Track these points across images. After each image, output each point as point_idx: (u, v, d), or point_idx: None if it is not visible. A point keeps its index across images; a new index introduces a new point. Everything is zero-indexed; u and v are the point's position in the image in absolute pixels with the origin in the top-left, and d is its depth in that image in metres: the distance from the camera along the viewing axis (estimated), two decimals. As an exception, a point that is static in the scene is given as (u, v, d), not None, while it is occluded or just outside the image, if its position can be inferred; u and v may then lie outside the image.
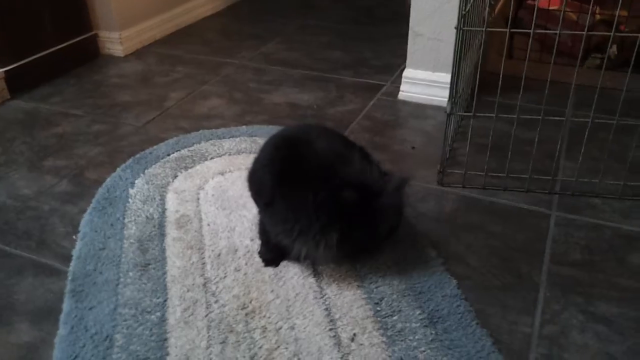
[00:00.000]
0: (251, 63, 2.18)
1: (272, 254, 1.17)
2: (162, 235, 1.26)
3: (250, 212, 1.31)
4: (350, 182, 1.02)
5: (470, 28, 1.33)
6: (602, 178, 1.37)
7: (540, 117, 1.29)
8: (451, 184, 1.40)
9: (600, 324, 1.02)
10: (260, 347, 0.98)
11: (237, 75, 2.07)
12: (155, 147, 1.60)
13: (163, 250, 1.21)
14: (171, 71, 2.12)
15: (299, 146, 1.11)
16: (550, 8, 2.24)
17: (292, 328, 1.02)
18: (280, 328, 1.02)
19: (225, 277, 1.14)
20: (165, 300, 1.08)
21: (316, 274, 1.14)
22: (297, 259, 1.15)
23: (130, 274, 1.15)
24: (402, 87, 1.84)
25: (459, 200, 1.36)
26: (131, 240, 1.24)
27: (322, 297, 1.09)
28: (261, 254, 1.19)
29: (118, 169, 1.50)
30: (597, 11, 2.04)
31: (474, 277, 1.13)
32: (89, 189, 1.43)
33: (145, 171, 1.48)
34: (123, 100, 1.90)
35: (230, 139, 1.63)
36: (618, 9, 1.22)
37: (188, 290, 1.11)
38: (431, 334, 1.00)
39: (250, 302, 1.08)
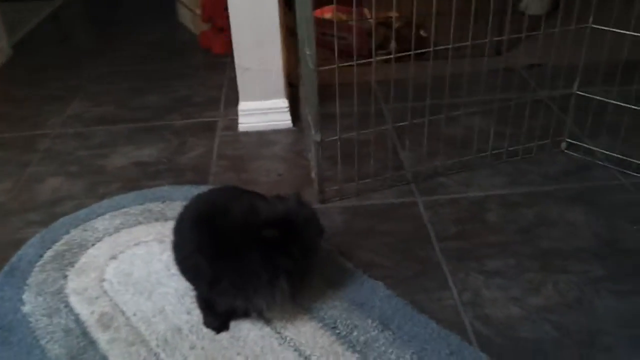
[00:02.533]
0: (66, 129, 2.06)
1: (221, 319, 1.21)
2: (93, 342, 1.20)
3: (168, 286, 1.32)
4: (267, 222, 1.11)
5: (324, 67, 1.45)
6: (433, 159, 1.66)
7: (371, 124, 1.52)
8: (330, 199, 1.57)
9: (496, 277, 1.30)
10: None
11: (59, 147, 1.95)
12: (19, 252, 1.47)
13: (104, 358, 1.17)
14: (-23, 162, 1.90)
15: (214, 217, 1.16)
16: (325, 17, 2.51)
17: (277, 379, 1.10)
18: (267, 383, 1.09)
19: (186, 359, 1.15)
20: (140, 405, 1.07)
21: (267, 321, 1.22)
22: (247, 315, 1.21)
23: (86, 393, 1.10)
24: (240, 120, 1.94)
25: (344, 212, 1.53)
26: (63, 360, 1.17)
27: (285, 341, 1.18)
28: (208, 323, 1.22)
29: (-8, 290, 1.36)
30: (371, 16, 2.36)
31: (391, 274, 1.32)
32: (-29, 323, 1.28)
33: (27, 282, 1.37)
34: (-60, 210, 1.67)
35: (99, 218, 1.57)
36: (394, 9, 1.49)
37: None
38: (390, 335, 1.17)
39: (226, 371, 1.12)
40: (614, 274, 1.29)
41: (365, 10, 2.50)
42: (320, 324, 1.21)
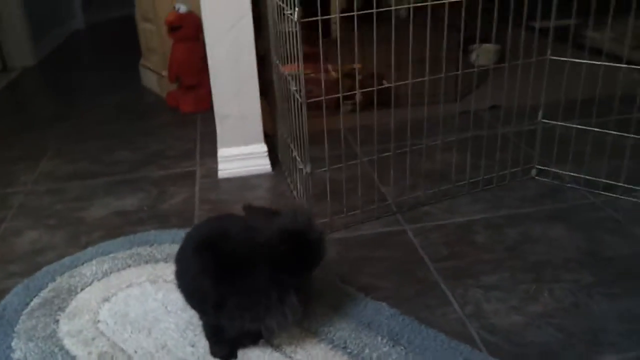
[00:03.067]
0: (39, 186, 2.02)
1: (229, 348, 1.19)
2: (94, 381, 1.15)
3: (167, 322, 1.29)
4: (274, 238, 1.12)
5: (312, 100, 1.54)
6: (415, 191, 1.73)
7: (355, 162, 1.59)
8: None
9: (494, 290, 1.34)
10: None
11: (34, 202, 1.90)
12: (2, 301, 1.40)
13: (108, 395, 1.11)
14: (-53, 221, 1.83)
15: (216, 242, 1.16)
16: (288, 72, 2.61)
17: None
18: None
19: (197, 388, 1.12)
20: None
21: (276, 347, 1.20)
22: (258, 339, 1.20)
23: None
24: (220, 167, 1.95)
25: (336, 243, 1.55)
26: (64, 402, 1.11)
27: (297, 364, 1.16)
28: (216, 353, 1.19)
29: (-23, 341, 1.28)
30: (335, 69, 2.47)
31: (393, 295, 1.34)
32: (-44, 376, 1.20)
33: (15, 329, 1.30)
34: None
35: (85, 264, 1.52)
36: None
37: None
38: (402, 350, 1.17)
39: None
40: (602, 280, 1.35)
41: (329, 66, 2.62)
42: (330, 346, 1.20)
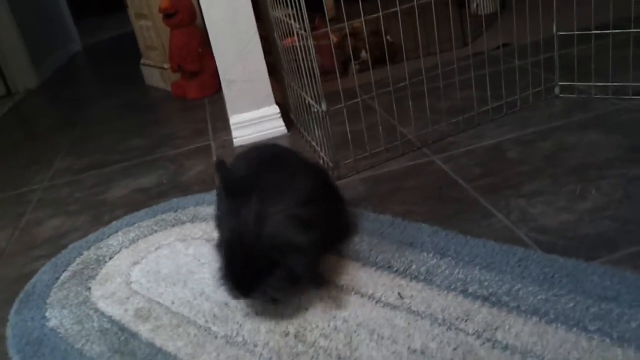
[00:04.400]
0: (56, 181, 1.98)
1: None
2: (135, 334, 1.09)
3: (201, 273, 1.23)
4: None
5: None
6: (438, 124, 1.67)
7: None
8: (346, 176, 1.53)
9: (537, 196, 1.27)
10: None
11: (53, 196, 1.86)
12: (32, 280, 1.36)
13: (151, 345, 1.06)
14: (-33, 223, 1.80)
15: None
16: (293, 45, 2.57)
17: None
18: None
19: (241, 326, 1.06)
20: (205, 374, 0.96)
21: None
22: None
23: (140, 378, 0.98)
24: (234, 134, 1.91)
25: (364, 182, 1.49)
26: (107, 356, 1.05)
27: (343, 289, 1.10)
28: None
29: (10, 318, 1.23)
30: (334, 36, 2.43)
31: (431, 217, 1.27)
32: (-8, 351, 1.15)
33: (48, 301, 1.26)
34: None
35: (111, 237, 1.48)
36: (364, 21, 1.54)
37: (227, 343, 1.00)
38: (451, 260, 1.10)
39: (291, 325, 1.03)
40: (650, 171, 1.28)
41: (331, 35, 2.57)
42: (374, 268, 1.14)
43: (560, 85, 1.72)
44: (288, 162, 1.22)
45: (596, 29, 1.60)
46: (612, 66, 1.62)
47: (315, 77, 1.46)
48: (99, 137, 2.39)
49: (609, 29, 1.58)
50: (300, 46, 1.55)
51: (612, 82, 1.64)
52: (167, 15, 2.44)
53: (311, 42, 1.39)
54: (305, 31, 1.40)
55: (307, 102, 1.62)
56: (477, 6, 2.75)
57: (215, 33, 1.81)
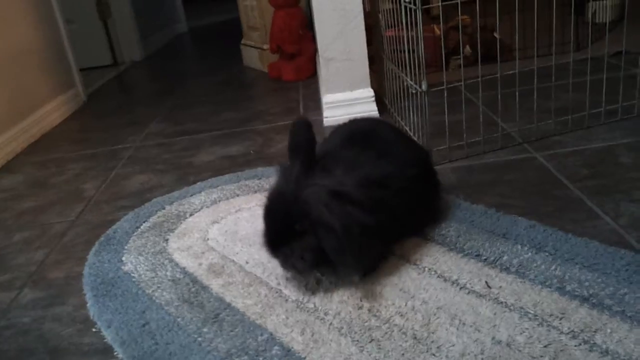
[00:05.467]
0: (148, 142, 2.03)
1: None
2: (206, 287, 1.07)
3: (279, 239, 1.20)
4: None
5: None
6: (543, 122, 1.55)
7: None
8: (439, 163, 1.45)
9: (652, 204, 1.14)
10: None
11: (142, 154, 1.90)
12: (113, 227, 1.38)
13: (220, 299, 1.03)
14: (64, 171, 1.87)
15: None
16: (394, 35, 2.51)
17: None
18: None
19: (313, 293, 1.01)
20: (271, 335, 0.92)
21: (399, 256, 1.08)
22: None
23: (205, 329, 0.96)
24: (325, 114, 1.87)
25: (456, 170, 1.41)
26: (175, 304, 1.04)
27: (424, 271, 1.03)
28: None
29: (89, 257, 1.25)
30: (440, 30, 2.34)
31: (529, 212, 1.17)
32: (67, 287, 1.17)
33: (126, 247, 1.27)
34: (28, 206, 1.61)
35: (195, 195, 1.48)
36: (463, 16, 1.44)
37: (297, 307, 0.96)
38: (548, 256, 1.00)
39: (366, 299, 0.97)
40: None
41: (434, 26, 2.49)
42: (461, 254, 1.06)
43: (687, 94, 1.56)
44: (383, 139, 1.15)
45: None
46: None
47: (418, 56, 1.40)
48: (193, 107, 2.43)
49: None
50: (405, 32, 1.49)
51: None
52: (273, -6, 2.46)
53: (420, 14, 1.32)
54: (415, 5, 1.34)
55: (405, 83, 1.56)
56: (594, 14, 2.57)
57: (319, 8, 1.78)
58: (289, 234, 0.96)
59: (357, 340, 0.88)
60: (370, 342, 0.87)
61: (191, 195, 1.48)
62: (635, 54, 1.81)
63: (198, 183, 1.56)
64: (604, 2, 2.50)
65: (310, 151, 1.02)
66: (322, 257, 0.95)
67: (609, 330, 0.82)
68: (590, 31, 2.26)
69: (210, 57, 3.71)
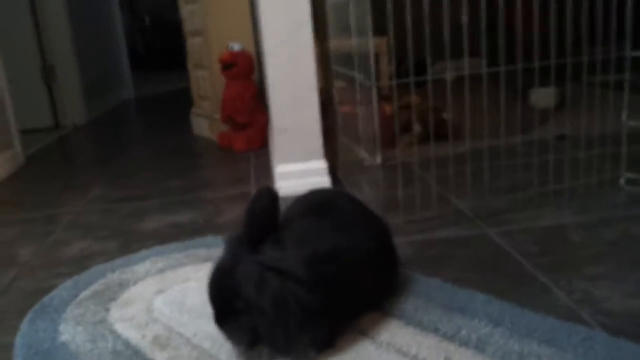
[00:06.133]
0: (89, 207, 1.94)
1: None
2: (149, 361, 1.00)
3: (229, 310, 1.14)
4: None
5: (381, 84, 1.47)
6: (493, 199, 1.59)
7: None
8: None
9: (602, 280, 1.15)
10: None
11: (83, 220, 1.82)
12: (50, 294, 1.28)
13: (165, 374, 0.96)
14: (-5, 235, 1.75)
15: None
16: (347, 112, 2.58)
17: None
18: None
19: (268, 366, 0.95)
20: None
21: (358, 331, 1.04)
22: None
23: (149, 407, 0.88)
24: (277, 184, 1.86)
25: (412, 244, 1.41)
26: (115, 379, 0.95)
27: (381, 345, 0.99)
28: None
29: (22, 326, 1.15)
30: (390, 109, 2.42)
31: (485, 287, 1.16)
32: (-4, 358, 1.07)
33: (63, 316, 1.18)
34: (-47, 272, 1.49)
35: (139, 264, 1.41)
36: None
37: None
38: (506, 330, 1.00)
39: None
40: None
41: (384, 105, 2.57)
42: (419, 329, 1.03)
43: (627, 177, 1.64)
44: (343, 211, 1.14)
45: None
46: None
47: (372, 130, 1.42)
48: (138, 174, 2.37)
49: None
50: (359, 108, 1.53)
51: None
52: (226, 66, 2.49)
53: (375, 91, 1.36)
54: (370, 81, 1.38)
55: (360, 156, 1.58)
56: (537, 100, 2.73)
57: (274, 78, 1.80)
58: (232, 309, 0.92)
59: (315, 420, 0.82)
60: (329, 421, 0.82)
61: (135, 263, 1.41)
62: (576, 138, 1.91)
63: (143, 251, 1.49)
64: (545, 90, 2.66)
65: (261, 222, 0.98)
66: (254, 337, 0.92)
67: (572, 408, 0.80)
68: (529, 116, 2.39)
69: (158, 124, 3.68)
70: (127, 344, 1.06)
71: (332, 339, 1.01)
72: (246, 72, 2.52)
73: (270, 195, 0.97)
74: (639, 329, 0.99)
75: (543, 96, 2.71)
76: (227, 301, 0.92)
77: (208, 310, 1.14)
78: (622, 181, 1.65)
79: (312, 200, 1.18)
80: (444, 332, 1.01)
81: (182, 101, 3.34)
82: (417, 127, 2.41)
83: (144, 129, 3.66)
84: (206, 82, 2.80)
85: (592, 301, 1.09)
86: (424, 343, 0.98)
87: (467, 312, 1.07)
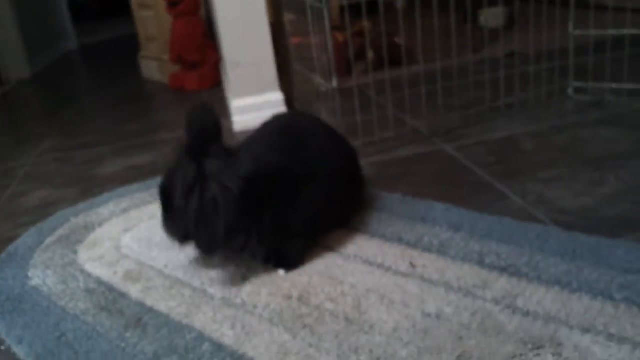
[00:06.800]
0: (45, 157, 1.90)
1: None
2: (124, 294, 1.01)
3: (198, 241, 1.16)
4: None
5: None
6: (448, 117, 1.62)
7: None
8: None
9: (555, 182, 1.22)
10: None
11: (39, 170, 1.78)
12: (15, 243, 1.27)
13: (141, 304, 0.98)
14: (-52, 191, 1.70)
15: None
16: (299, 43, 2.55)
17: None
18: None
19: (240, 290, 0.98)
20: (200, 332, 0.88)
21: (323, 246, 1.08)
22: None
23: (128, 334, 0.90)
24: (234, 119, 1.85)
25: (372, 165, 1.44)
26: (92, 313, 0.97)
27: (349, 257, 1.03)
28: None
29: (-12, 276, 1.15)
30: (342, 37, 2.39)
31: (443, 196, 1.21)
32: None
33: (30, 262, 1.17)
34: None
35: (102, 206, 1.40)
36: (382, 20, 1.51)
37: (225, 304, 0.93)
38: (466, 234, 1.05)
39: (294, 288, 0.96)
40: (670, 162, 1.24)
41: (336, 33, 2.54)
42: (384, 240, 1.07)
43: (574, 86, 1.69)
44: (303, 132, 1.14)
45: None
46: (626, 69, 1.60)
47: (327, 55, 1.42)
48: (90, 122, 2.31)
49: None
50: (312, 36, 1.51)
51: (626, 85, 1.61)
52: (172, 4, 2.40)
53: (326, 12, 1.34)
54: (321, 2, 1.36)
55: (316, 83, 1.58)
56: (486, 20, 2.74)
57: (223, 12, 1.76)
58: (172, 208, 0.98)
59: (290, 328, 0.86)
60: (303, 328, 0.86)
61: (98, 206, 1.40)
62: (526, 54, 1.95)
63: (105, 194, 1.48)
64: (494, 10, 2.67)
65: (200, 132, 0.97)
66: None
67: (528, 294, 0.86)
68: (480, 36, 2.41)
69: (105, 72, 3.56)
70: (99, 281, 1.07)
71: (302, 255, 1.04)
72: (193, 9, 2.45)
73: (203, 108, 0.98)
74: (590, 222, 1.05)
75: (492, 16, 2.73)
76: (168, 201, 0.99)
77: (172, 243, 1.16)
78: (570, 90, 1.70)
79: (276, 123, 1.18)
80: (407, 241, 1.06)
81: (129, 47, 3.23)
82: (370, 54, 2.41)
83: (91, 78, 3.53)
84: (152, 23, 2.71)
85: (546, 202, 1.14)
86: (389, 252, 1.03)
87: (428, 221, 1.11)
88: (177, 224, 0.98)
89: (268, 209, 0.97)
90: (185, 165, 0.95)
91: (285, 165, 1.02)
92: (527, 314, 0.82)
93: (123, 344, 0.87)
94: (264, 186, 0.97)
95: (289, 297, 0.94)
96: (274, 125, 1.15)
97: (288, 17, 2.38)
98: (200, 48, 2.48)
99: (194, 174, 0.93)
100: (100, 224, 1.31)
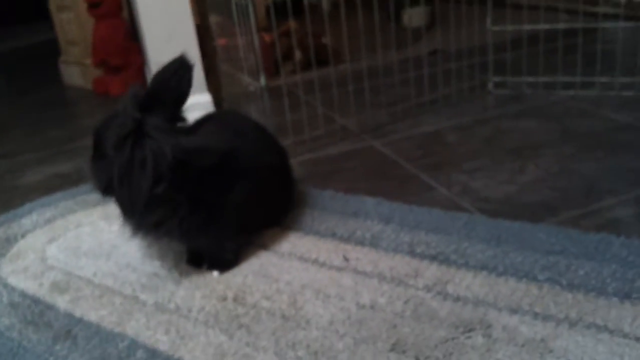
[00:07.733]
0: (-41, 169, 1.79)
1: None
2: (51, 306, 0.98)
3: (126, 246, 1.13)
4: None
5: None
6: (375, 114, 1.65)
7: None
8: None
9: (478, 172, 1.27)
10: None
11: (-46, 182, 1.68)
12: None
13: (69, 315, 0.94)
14: None
15: None
16: (225, 44, 2.53)
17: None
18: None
19: (173, 294, 0.97)
20: (133, 340, 0.86)
21: (258, 245, 1.07)
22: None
23: (57, 347, 0.87)
24: (163, 122, 1.81)
25: (303, 164, 1.44)
26: (17, 328, 0.92)
27: (284, 255, 1.03)
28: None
29: None
30: (269, 37, 2.39)
31: (373, 191, 1.24)
32: None
33: (-54, 280, 1.11)
34: None
35: (24, 217, 1.34)
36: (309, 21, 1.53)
37: (158, 310, 0.91)
38: (396, 226, 1.07)
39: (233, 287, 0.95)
40: (583, 148, 1.31)
41: (263, 33, 2.54)
42: (318, 236, 1.08)
43: (494, 81, 1.77)
44: (240, 128, 1.13)
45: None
46: (542, 63, 1.68)
47: (254, 54, 1.41)
48: (10, 130, 2.20)
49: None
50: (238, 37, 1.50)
51: (541, 79, 1.69)
52: (93, 5, 2.33)
53: (251, 8, 1.34)
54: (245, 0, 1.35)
55: (244, 83, 1.57)
56: (409, 20, 2.82)
57: (146, 13, 1.72)
58: (102, 154, 0.94)
59: (226, 329, 0.85)
60: (239, 328, 0.85)
61: (21, 217, 1.34)
62: (447, 52, 2.01)
63: (27, 204, 1.41)
64: (416, 9, 2.74)
65: (162, 88, 0.96)
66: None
67: (457, 280, 0.89)
68: (403, 35, 2.48)
69: (22, 79, 3.40)
70: (23, 294, 1.02)
71: (236, 256, 1.03)
72: (115, 10, 2.37)
73: (182, 63, 0.97)
74: (514, 209, 1.10)
75: (414, 16, 2.80)
76: (99, 145, 0.94)
77: (105, 250, 1.13)
78: (490, 85, 1.78)
79: (210, 119, 1.15)
80: (340, 235, 1.07)
81: (48, 52, 3.09)
82: (298, 54, 2.42)
83: (7, 86, 3.37)
84: (72, 25, 2.61)
85: (471, 191, 1.19)
86: (323, 247, 1.04)
87: (360, 215, 1.13)
88: (103, 173, 0.92)
89: (200, 192, 0.93)
90: (127, 112, 0.89)
91: (228, 153, 1.00)
92: (457, 299, 0.85)
93: (52, 358, 0.84)
94: (203, 167, 0.92)
95: (224, 299, 0.93)
96: (209, 121, 1.13)
97: (214, 18, 2.35)
98: (124, 51, 2.41)
99: (131, 126, 0.88)
100: (23, 235, 1.25)
